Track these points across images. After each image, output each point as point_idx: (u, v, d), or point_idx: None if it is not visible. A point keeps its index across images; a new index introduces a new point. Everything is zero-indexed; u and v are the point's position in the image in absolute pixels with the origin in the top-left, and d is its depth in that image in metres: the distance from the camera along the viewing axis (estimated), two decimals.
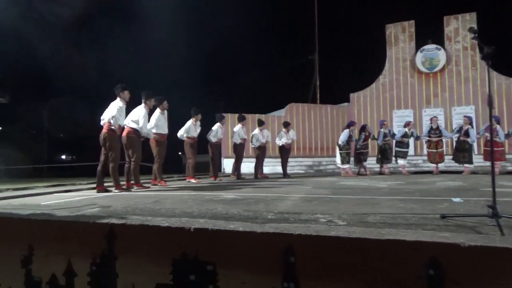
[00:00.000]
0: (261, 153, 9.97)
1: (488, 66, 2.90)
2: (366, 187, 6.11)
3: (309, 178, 9.60)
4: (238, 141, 9.53)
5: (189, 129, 8.58)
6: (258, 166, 9.95)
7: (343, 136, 9.86)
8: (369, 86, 14.72)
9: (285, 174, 10.26)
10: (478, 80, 13.28)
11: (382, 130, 10.44)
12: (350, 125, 10.15)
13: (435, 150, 10.08)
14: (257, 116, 13.16)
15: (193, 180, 8.49)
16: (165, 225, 2.48)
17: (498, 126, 9.43)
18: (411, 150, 12.10)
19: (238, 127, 9.74)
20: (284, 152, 10.35)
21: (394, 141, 10.52)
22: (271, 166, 12.53)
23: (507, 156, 9.89)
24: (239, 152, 9.69)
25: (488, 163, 10.09)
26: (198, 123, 8.78)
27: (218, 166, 10.12)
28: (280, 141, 10.31)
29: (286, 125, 10.52)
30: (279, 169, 10.99)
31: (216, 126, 9.31)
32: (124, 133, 6.35)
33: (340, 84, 26.28)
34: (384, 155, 10.36)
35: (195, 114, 8.71)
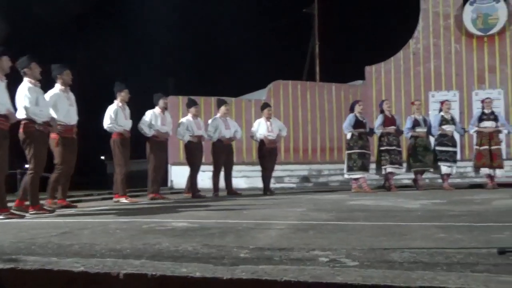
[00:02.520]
0: (225, 155, 10.00)
1: None
2: (389, 209, 6.16)
3: (304, 195, 9.63)
4: (186, 138, 9.52)
5: (117, 115, 8.51)
6: (217, 175, 9.99)
7: (345, 124, 9.91)
8: (394, 55, 14.95)
9: (266, 189, 10.30)
10: None
11: (413, 116, 10.49)
12: (353, 106, 10.19)
13: (487, 147, 10.02)
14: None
15: (123, 200, 8.41)
16: (79, 270, 2.44)
17: None
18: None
19: (187, 118, 9.74)
20: (266, 154, 10.34)
21: (433, 139, 10.51)
22: (245, 178, 12.55)
23: None
24: (191, 155, 9.71)
25: None
26: (127, 109, 8.73)
27: (162, 177, 10.05)
28: (257, 134, 10.29)
29: (265, 107, 10.52)
30: (257, 181, 11.00)
31: (152, 111, 9.31)
32: (21, 128, 6.27)
33: (351, 52, 26.56)
34: (414, 157, 10.32)
35: (118, 90, 8.70)
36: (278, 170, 13.00)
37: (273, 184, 11.38)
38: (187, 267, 2.47)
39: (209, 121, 10.16)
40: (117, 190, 8.58)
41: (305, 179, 13.87)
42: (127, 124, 8.62)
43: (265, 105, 10.58)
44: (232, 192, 10.00)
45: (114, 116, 8.45)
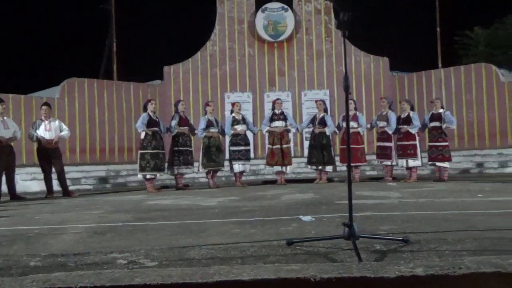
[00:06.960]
0: (4, 157, 9.18)
1: (344, 37, 3.36)
2: (188, 207, 6.32)
3: (101, 196, 9.41)
4: None
5: None
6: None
7: (138, 123, 9.95)
8: (192, 57, 15.30)
9: (65, 192, 9.83)
10: (334, 56, 15.28)
11: (207, 117, 10.74)
12: (146, 105, 10.25)
13: (279, 146, 10.68)
14: (11, 96, 12.25)
15: None
16: None
17: (358, 113, 11.01)
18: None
19: None
20: (45, 156, 9.80)
21: (228, 140, 11.00)
22: (36, 181, 11.79)
23: (368, 157, 11.55)
24: None
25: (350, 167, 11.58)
26: None
27: None
28: (34, 135, 9.71)
29: (46, 106, 10.06)
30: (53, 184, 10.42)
31: None
32: None
33: (151, 52, 26.51)
34: (208, 156, 10.57)
35: None
36: (73, 172, 12.50)
37: (69, 185, 10.87)
38: None
39: None
40: None
41: (103, 180, 13.51)
42: None
43: (46, 105, 10.13)
44: (16, 197, 9.29)
45: None
